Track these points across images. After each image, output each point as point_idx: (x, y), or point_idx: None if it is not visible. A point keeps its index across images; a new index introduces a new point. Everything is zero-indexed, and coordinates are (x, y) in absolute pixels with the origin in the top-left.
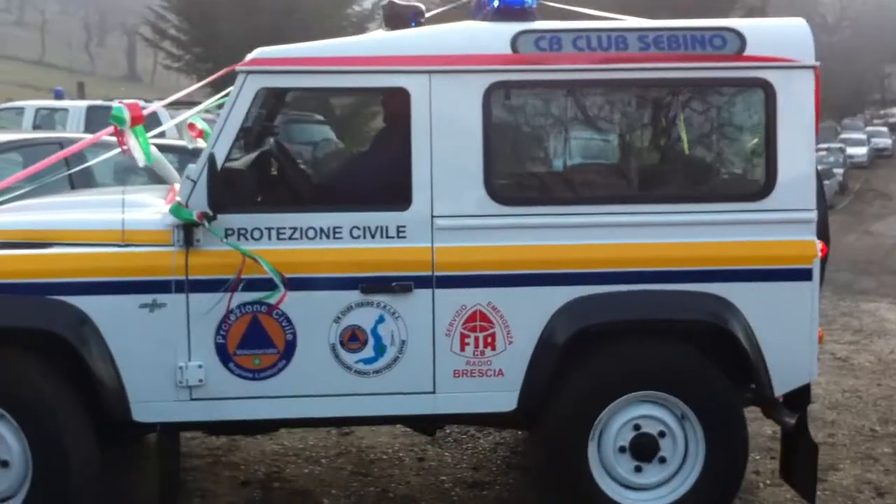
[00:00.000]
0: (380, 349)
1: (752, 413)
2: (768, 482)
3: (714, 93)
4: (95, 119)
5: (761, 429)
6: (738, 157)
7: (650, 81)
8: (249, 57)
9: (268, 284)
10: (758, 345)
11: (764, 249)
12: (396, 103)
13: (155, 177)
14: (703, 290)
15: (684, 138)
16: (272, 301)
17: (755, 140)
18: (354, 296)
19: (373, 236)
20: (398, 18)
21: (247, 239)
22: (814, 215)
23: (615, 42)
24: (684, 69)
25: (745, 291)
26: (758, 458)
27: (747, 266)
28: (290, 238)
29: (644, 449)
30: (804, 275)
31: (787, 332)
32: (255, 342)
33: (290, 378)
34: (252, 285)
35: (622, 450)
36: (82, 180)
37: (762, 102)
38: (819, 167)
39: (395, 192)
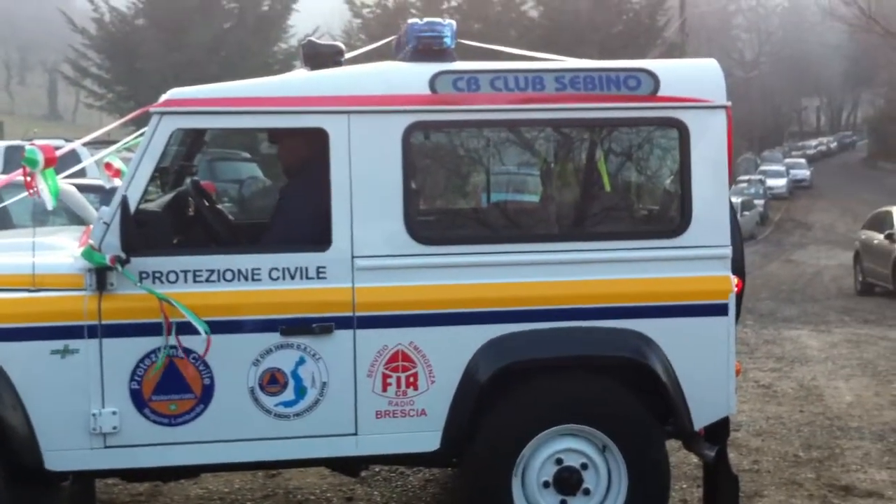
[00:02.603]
0: (300, 391)
1: (678, 442)
2: None
3: (630, 132)
4: (14, 159)
5: (688, 457)
6: (654, 195)
7: (566, 121)
8: (164, 97)
9: (183, 329)
10: (676, 379)
11: (680, 285)
12: (315, 144)
13: (75, 217)
14: (622, 327)
15: (604, 176)
16: (201, 349)
17: (670, 178)
18: (274, 338)
19: (292, 277)
20: (318, 58)
21: (162, 282)
22: (728, 251)
23: (532, 82)
24: (599, 109)
25: (663, 327)
26: (685, 486)
27: (665, 302)
28: (206, 280)
29: (567, 482)
30: (720, 310)
31: (704, 367)
32: (171, 387)
33: (208, 423)
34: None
35: (546, 485)
36: None
37: (676, 142)
38: (740, 199)
39: (315, 233)
